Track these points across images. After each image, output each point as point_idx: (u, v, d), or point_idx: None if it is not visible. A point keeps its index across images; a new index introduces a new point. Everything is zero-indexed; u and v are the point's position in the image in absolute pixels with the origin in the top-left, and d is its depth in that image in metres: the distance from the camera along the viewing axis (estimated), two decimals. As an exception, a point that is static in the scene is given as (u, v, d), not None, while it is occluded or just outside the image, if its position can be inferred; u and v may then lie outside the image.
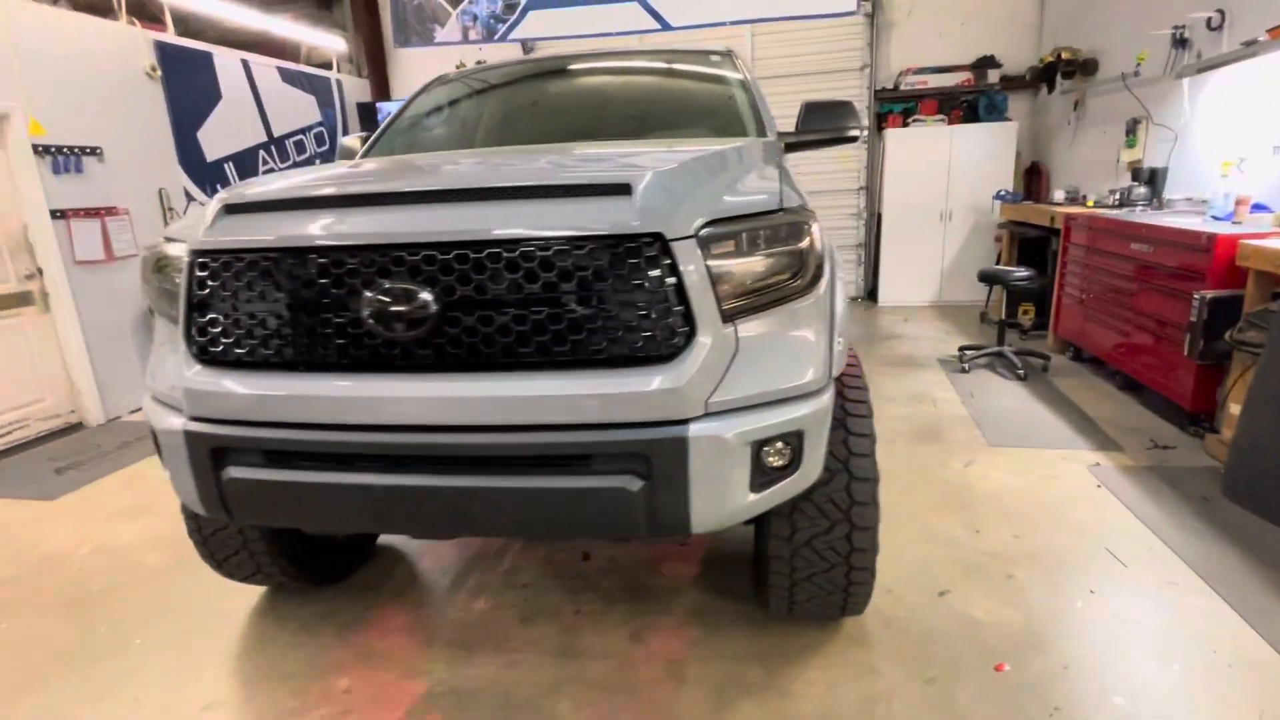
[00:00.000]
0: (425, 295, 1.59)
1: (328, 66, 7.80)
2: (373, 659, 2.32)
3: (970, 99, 7.21)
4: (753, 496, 1.67)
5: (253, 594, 2.71)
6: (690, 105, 3.06)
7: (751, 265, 1.67)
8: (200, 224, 1.78)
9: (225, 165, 6.14)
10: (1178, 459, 3.47)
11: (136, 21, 5.34)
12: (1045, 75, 6.57)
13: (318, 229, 1.65)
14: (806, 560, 2.03)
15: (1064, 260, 5.19)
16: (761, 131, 2.72)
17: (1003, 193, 6.77)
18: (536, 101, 3.18)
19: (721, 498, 1.62)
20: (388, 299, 1.59)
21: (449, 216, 1.60)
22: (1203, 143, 4.62)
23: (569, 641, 2.35)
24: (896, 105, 7.47)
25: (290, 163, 6.86)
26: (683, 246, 1.58)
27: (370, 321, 1.61)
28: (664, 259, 1.57)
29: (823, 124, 2.89)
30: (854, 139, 3.00)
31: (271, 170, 6.64)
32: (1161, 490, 3.14)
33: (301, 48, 7.87)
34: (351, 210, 1.67)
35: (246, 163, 6.36)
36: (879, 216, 7.57)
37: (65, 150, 4.69)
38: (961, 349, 5.34)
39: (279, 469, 1.75)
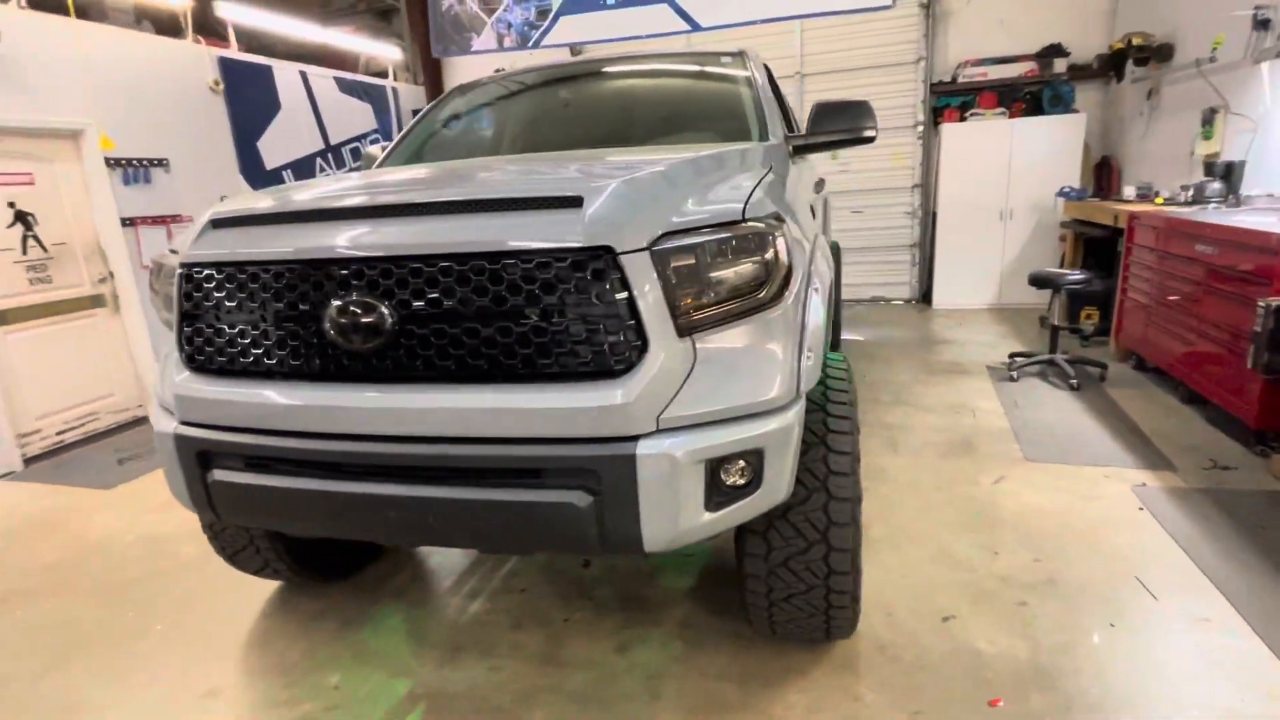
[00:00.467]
0: (382, 308, 1.62)
1: (385, 75, 8.09)
2: (365, 657, 2.38)
3: (1034, 90, 6.81)
4: (708, 516, 1.63)
5: (268, 587, 2.83)
6: (695, 109, 3.01)
7: (709, 278, 1.62)
8: (189, 238, 1.87)
9: (284, 173, 6.45)
10: (1237, 481, 3.17)
11: (202, 39, 5.67)
12: (1114, 63, 6.14)
13: (284, 243, 1.71)
14: (783, 581, 1.96)
15: (1127, 262, 4.84)
16: (764, 134, 2.65)
17: (1066, 189, 6.37)
18: (546, 109, 3.19)
19: (673, 516, 1.58)
20: (346, 311, 1.62)
21: (402, 231, 1.62)
22: (1286, 133, 4.22)
23: (554, 650, 2.35)
24: (954, 99, 7.14)
25: (346, 168, 7.14)
26: (634, 260, 1.55)
27: (331, 333, 1.65)
28: (614, 272, 1.54)
29: (834, 125, 2.78)
30: (870, 139, 2.87)
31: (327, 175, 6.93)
32: (1212, 516, 2.88)
33: (360, 58, 8.18)
34: (315, 225, 1.72)
35: (304, 169, 6.66)
36: (934, 215, 7.27)
37: (135, 162, 5.03)
38: (1012, 355, 5.06)
39: (257, 474, 1.82)
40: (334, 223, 1.71)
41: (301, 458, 1.74)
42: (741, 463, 1.64)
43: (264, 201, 1.91)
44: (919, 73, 7.17)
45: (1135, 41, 5.71)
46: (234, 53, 5.91)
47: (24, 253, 4.47)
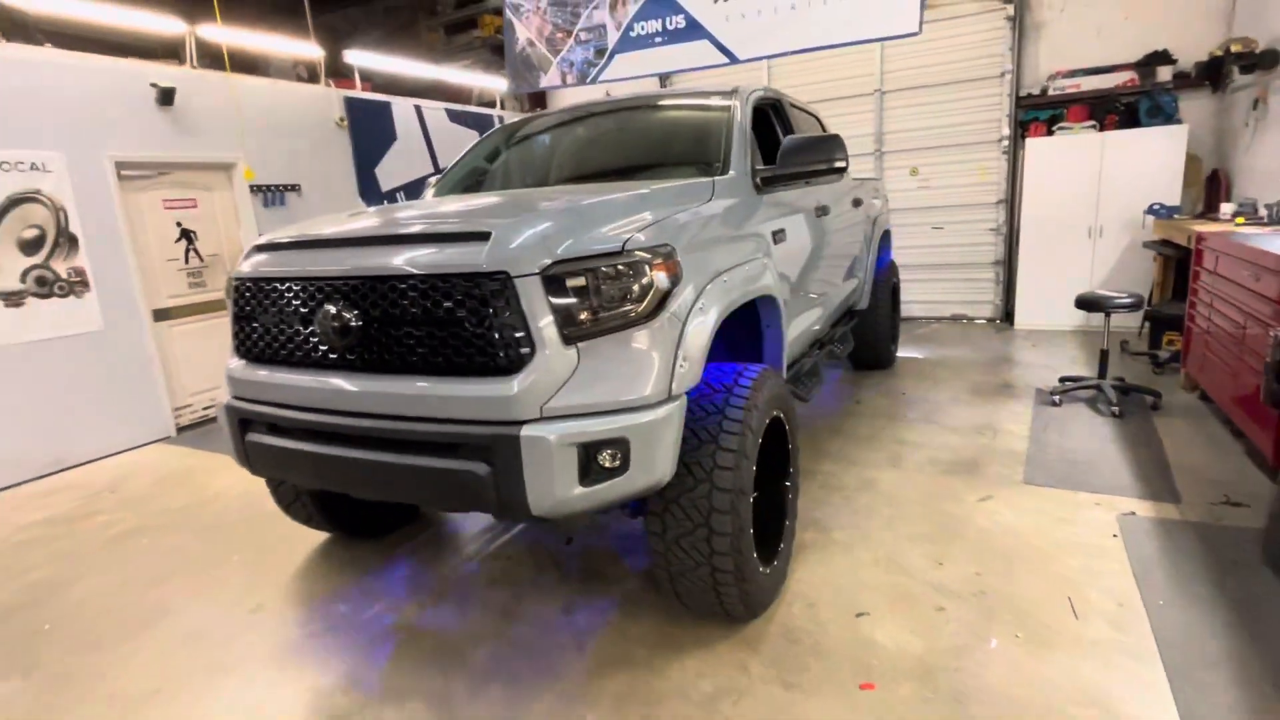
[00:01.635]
0: (350, 314, 2.15)
1: (493, 105, 8.98)
2: (369, 595, 2.95)
3: (1130, 102, 6.43)
4: (580, 489, 2.00)
5: (320, 537, 3.50)
6: (677, 145, 3.36)
7: (591, 297, 2.01)
8: (241, 259, 2.52)
9: (398, 194, 7.42)
10: (1240, 518, 3.04)
11: (332, 82, 6.72)
12: (1212, 71, 5.70)
13: (292, 265, 2.29)
14: (678, 557, 2.29)
15: (1194, 286, 4.56)
16: (726, 169, 2.95)
17: (1156, 206, 5.97)
18: (561, 146, 3.67)
19: (550, 487, 1.97)
20: (327, 316, 2.17)
21: (363, 257, 2.15)
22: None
23: (514, 605, 2.79)
24: (1042, 113, 6.87)
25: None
26: (526, 282, 1.97)
27: (318, 331, 2.21)
28: (509, 292, 1.97)
29: (805, 159, 3.03)
30: (841, 170, 3.12)
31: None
32: (1189, 549, 2.82)
33: (474, 90, 9.13)
34: (311, 251, 2.29)
35: (415, 191, 7.61)
36: (1016, 232, 7.01)
37: (272, 188, 6.09)
38: (1062, 379, 4.91)
39: (274, 437, 2.42)
40: (324, 250, 2.27)
41: (297, 426, 2.31)
42: (611, 449, 2.00)
43: (293, 232, 2.52)
44: (1005, 86, 6.97)
45: (1234, 49, 5.30)
46: (357, 92, 6.93)
47: (186, 262, 5.60)
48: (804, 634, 2.47)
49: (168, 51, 7.06)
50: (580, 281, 2.01)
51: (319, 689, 2.39)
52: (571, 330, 2.01)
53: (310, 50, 6.69)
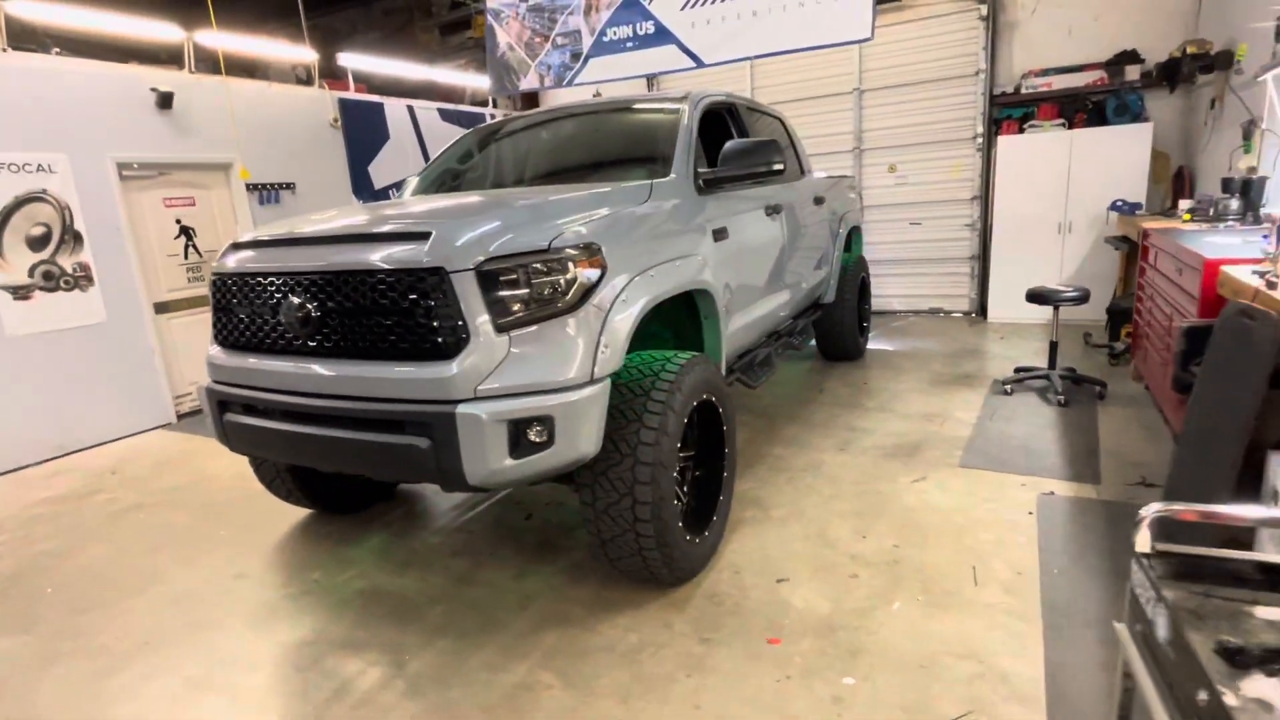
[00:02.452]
0: (309, 305, 2.41)
1: (487, 104, 9.23)
2: (342, 563, 3.22)
3: (1098, 100, 6.59)
4: (510, 462, 2.25)
5: (302, 513, 3.77)
6: (628, 149, 3.60)
7: (520, 290, 2.26)
8: (219, 255, 2.78)
9: (391, 192, 7.68)
10: (1153, 498, 3.25)
11: (326, 84, 6.98)
12: (1168, 72, 5.86)
13: (260, 261, 2.56)
14: (606, 525, 2.54)
15: (1140, 281, 4.75)
16: (668, 172, 3.19)
17: (1119, 203, 6.15)
18: (524, 148, 3.92)
19: (483, 460, 2.23)
20: (290, 306, 2.43)
21: (321, 254, 2.41)
22: (1309, 149, 4.03)
23: (471, 572, 3.06)
24: (1016, 110, 7.04)
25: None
26: (461, 277, 2.22)
27: (282, 320, 2.47)
28: (446, 286, 2.22)
29: (744, 163, 3.27)
30: (778, 173, 3.34)
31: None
32: (1095, 526, 3.04)
33: (466, 90, 9.38)
34: (276, 249, 2.55)
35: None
36: (989, 228, 7.20)
37: (268, 186, 6.37)
38: (1017, 370, 5.12)
39: (247, 416, 2.69)
40: (290, 248, 2.53)
41: (268, 406, 2.58)
42: (538, 425, 2.25)
43: (264, 232, 2.78)
44: (979, 85, 7.14)
45: (1191, 50, 5.47)
46: (350, 93, 7.19)
47: (185, 258, 5.89)
48: (726, 597, 2.72)
49: (171, 56, 7.35)
50: (510, 276, 2.26)
51: (288, 643, 2.66)
52: (503, 320, 2.26)
53: (304, 54, 6.95)
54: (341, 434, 2.40)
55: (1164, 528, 2.69)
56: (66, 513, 4.08)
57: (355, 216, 2.71)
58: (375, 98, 7.43)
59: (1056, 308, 4.70)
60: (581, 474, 2.53)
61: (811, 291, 5.04)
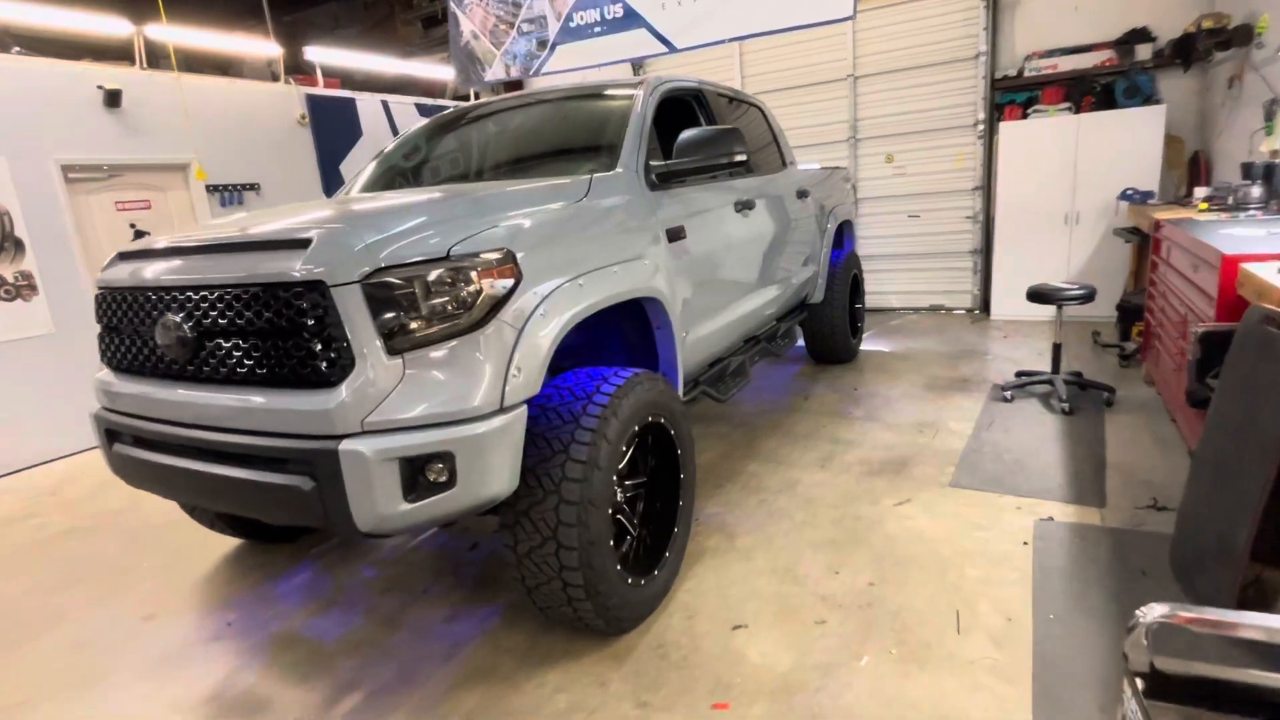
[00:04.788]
0: (183, 324, 2.10)
1: (468, 98, 8.91)
2: (263, 602, 2.93)
3: (1107, 82, 6.17)
4: (405, 506, 1.94)
5: (234, 542, 3.48)
6: (576, 140, 3.26)
7: (416, 306, 1.94)
8: (104, 267, 2.49)
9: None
10: (1165, 523, 2.89)
11: (292, 80, 6.69)
12: (1182, 49, 5.44)
13: (138, 274, 2.25)
14: (530, 571, 2.22)
15: (1151, 276, 4.37)
16: (614, 165, 2.86)
17: (1129, 191, 5.74)
18: (472, 141, 3.59)
19: (372, 504, 1.91)
20: (163, 324, 2.13)
21: (192, 267, 2.10)
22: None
23: (398, 613, 2.75)
24: (1019, 95, 6.63)
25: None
26: (344, 291, 1.90)
27: (157, 340, 2.17)
28: (326, 302, 1.91)
29: (702, 154, 2.93)
30: (741, 164, 3.00)
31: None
32: (1098, 558, 2.69)
33: (448, 84, 9.07)
34: (154, 261, 2.25)
35: (384, 187, 7.57)
36: (991, 220, 6.81)
37: (229, 187, 6.09)
38: (1018, 374, 4.75)
39: (131, 447, 2.39)
40: (167, 259, 2.23)
41: (151, 438, 2.28)
42: (437, 463, 1.94)
43: (151, 241, 2.47)
44: (980, 68, 6.74)
45: (1206, 25, 5.05)
46: (319, 89, 6.90)
47: (140, 263, 5.62)
48: (675, 647, 2.40)
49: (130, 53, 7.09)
50: (404, 290, 1.94)
51: (181, 702, 2.37)
52: (396, 340, 1.94)
53: (269, 49, 6.66)
54: (223, 471, 2.10)
55: (1183, 563, 2.33)
56: (-9, 540, 3.82)
57: (246, 222, 2.40)
58: (346, 93, 7.13)
59: (1060, 307, 4.33)
60: (503, 512, 2.22)
61: (796, 291, 4.69)
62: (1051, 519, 3.00)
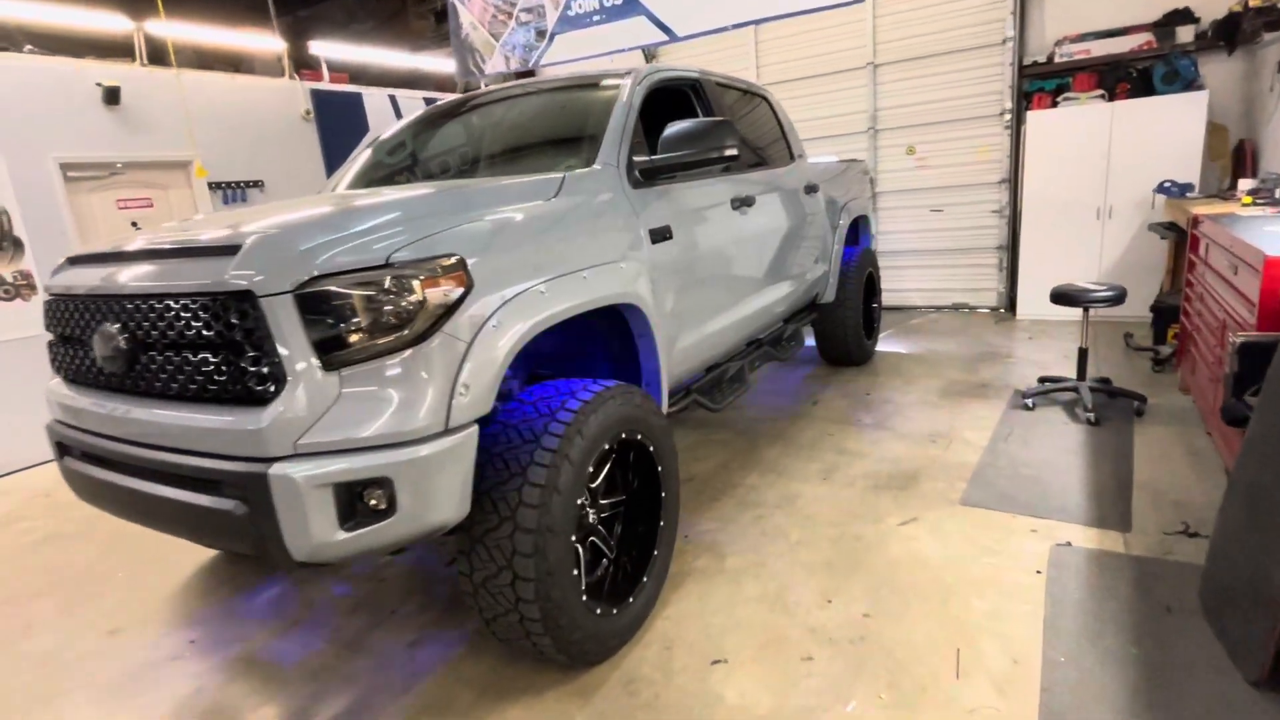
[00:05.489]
0: (117, 333, 1.97)
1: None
2: (231, 619, 2.82)
3: (1144, 67, 5.80)
4: (343, 535, 1.79)
5: (209, 553, 3.39)
6: (557, 133, 3.08)
7: (353, 319, 1.78)
8: (52, 273, 2.37)
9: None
10: (1196, 551, 2.63)
11: (297, 75, 6.61)
12: (1227, 30, 5.06)
13: (80, 281, 2.13)
14: (487, 602, 2.06)
15: (1188, 276, 4.06)
16: (592, 161, 2.67)
17: (1166, 184, 5.38)
18: (455, 136, 3.43)
19: (307, 532, 1.76)
20: (99, 333, 2.01)
21: (125, 274, 1.97)
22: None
23: (363, 636, 2.62)
24: (1048, 82, 6.28)
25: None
26: (274, 302, 1.75)
27: (97, 351, 2.04)
28: (256, 313, 1.76)
29: (690, 148, 2.73)
30: (732, 158, 2.79)
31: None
32: (1118, 590, 2.44)
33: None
34: (94, 268, 2.13)
35: (392, 183, 7.48)
36: (1018, 214, 6.47)
37: (233, 185, 6.04)
38: (1041, 380, 4.47)
39: (79, 462, 2.28)
40: (106, 265, 2.10)
41: (96, 453, 2.16)
42: (377, 489, 1.78)
43: (99, 246, 2.36)
44: (1007, 55, 6.39)
45: (1253, 3, 4.68)
46: (324, 84, 6.81)
47: (142, 262, 5.58)
48: (646, 683, 2.22)
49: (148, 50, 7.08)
50: (340, 300, 1.78)
51: (128, 728, 2.26)
52: (332, 355, 1.78)
53: (273, 43, 6.59)
54: (161, 491, 1.97)
55: (1213, 601, 2.08)
56: (-23, 544, 3.79)
57: (192, 226, 2.27)
58: (353, 88, 7.04)
59: (1086, 309, 4.03)
60: (458, 538, 2.06)
61: (805, 291, 4.46)
62: (1069, 544, 2.76)
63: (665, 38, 4.73)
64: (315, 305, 1.77)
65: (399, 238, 1.88)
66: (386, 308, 1.79)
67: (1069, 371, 4.65)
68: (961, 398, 4.54)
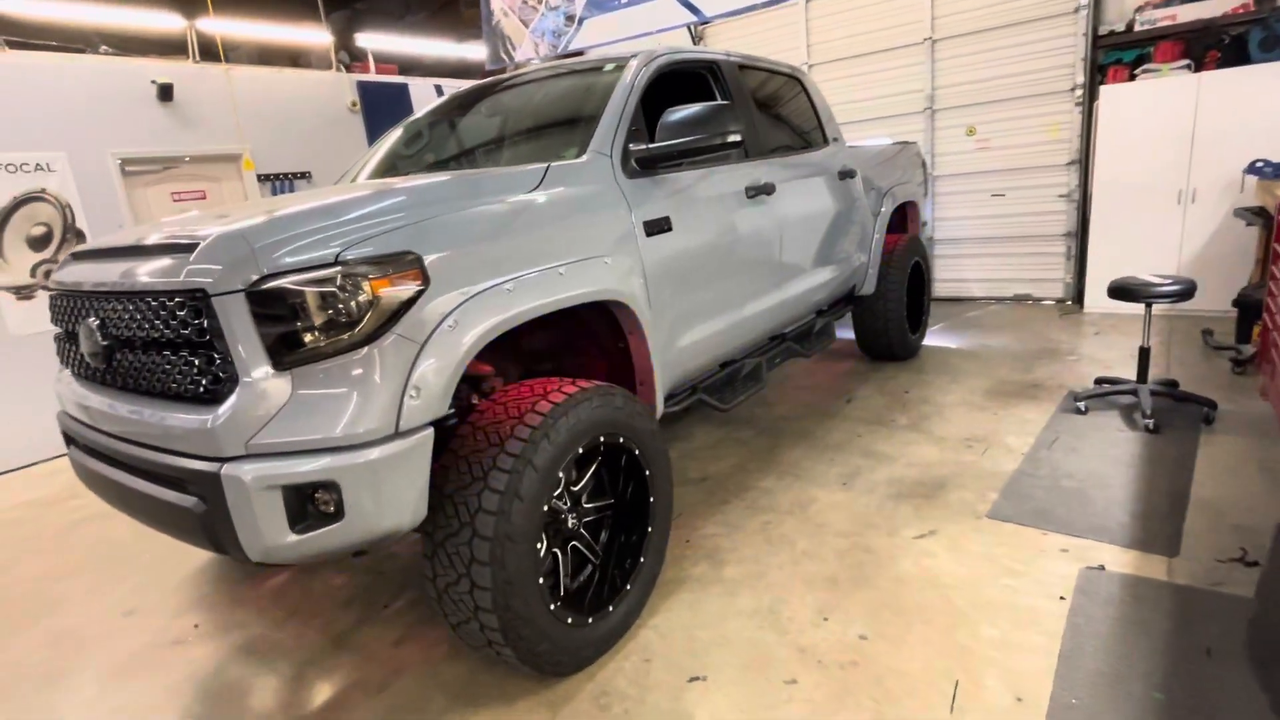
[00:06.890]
0: (95, 328, 2.01)
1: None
2: (233, 605, 2.89)
3: (1239, 33, 5.21)
4: (293, 537, 1.76)
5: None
6: (556, 120, 2.97)
7: (304, 318, 1.74)
8: (58, 266, 2.45)
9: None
10: (1250, 584, 2.33)
11: (345, 67, 6.74)
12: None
13: (69, 276, 2.19)
14: (450, 608, 2.01)
15: (1273, 269, 3.61)
16: (583, 150, 2.55)
17: (1259, 164, 4.82)
18: (461, 125, 3.38)
19: (258, 533, 1.75)
20: (86, 330, 2.05)
21: (98, 270, 2.01)
22: None
23: (351, 631, 2.63)
24: (1127, 53, 5.74)
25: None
26: (226, 301, 1.73)
27: (82, 346, 2.09)
28: (209, 311, 1.74)
29: (687, 135, 2.58)
30: (735, 145, 2.63)
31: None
32: (1154, 625, 2.19)
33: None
34: (80, 264, 2.17)
35: (437, 173, 7.57)
36: (1088, 198, 5.97)
37: (281, 176, 6.22)
38: (1097, 381, 4.10)
39: (80, 452, 2.36)
40: (90, 261, 2.15)
41: (89, 444, 2.23)
42: (325, 492, 1.75)
43: (99, 242, 2.41)
44: (1080, 24, 5.87)
45: (1368, -44, 4.10)
46: (370, 75, 6.92)
47: (195, 252, 5.83)
48: (619, 698, 2.13)
49: (203, 49, 7.36)
50: (292, 299, 1.74)
51: (124, 711, 2.33)
52: (284, 355, 1.75)
53: (320, 37, 6.73)
54: (138, 485, 2.00)
55: (1263, 649, 1.83)
56: (30, 519, 4.05)
57: (169, 224, 2.29)
58: (398, 78, 7.13)
59: (1149, 304, 3.66)
60: (424, 542, 2.01)
61: (839, 283, 4.23)
62: (1103, 568, 2.49)
63: (693, 18, 4.55)
64: (267, 304, 1.74)
65: (353, 235, 1.82)
66: (338, 306, 1.75)
67: (1135, 372, 4.25)
68: (1009, 399, 4.22)
